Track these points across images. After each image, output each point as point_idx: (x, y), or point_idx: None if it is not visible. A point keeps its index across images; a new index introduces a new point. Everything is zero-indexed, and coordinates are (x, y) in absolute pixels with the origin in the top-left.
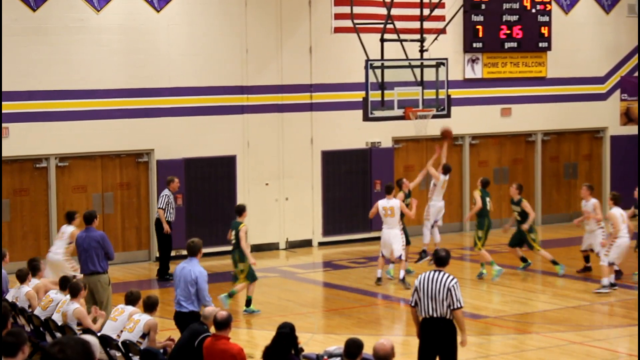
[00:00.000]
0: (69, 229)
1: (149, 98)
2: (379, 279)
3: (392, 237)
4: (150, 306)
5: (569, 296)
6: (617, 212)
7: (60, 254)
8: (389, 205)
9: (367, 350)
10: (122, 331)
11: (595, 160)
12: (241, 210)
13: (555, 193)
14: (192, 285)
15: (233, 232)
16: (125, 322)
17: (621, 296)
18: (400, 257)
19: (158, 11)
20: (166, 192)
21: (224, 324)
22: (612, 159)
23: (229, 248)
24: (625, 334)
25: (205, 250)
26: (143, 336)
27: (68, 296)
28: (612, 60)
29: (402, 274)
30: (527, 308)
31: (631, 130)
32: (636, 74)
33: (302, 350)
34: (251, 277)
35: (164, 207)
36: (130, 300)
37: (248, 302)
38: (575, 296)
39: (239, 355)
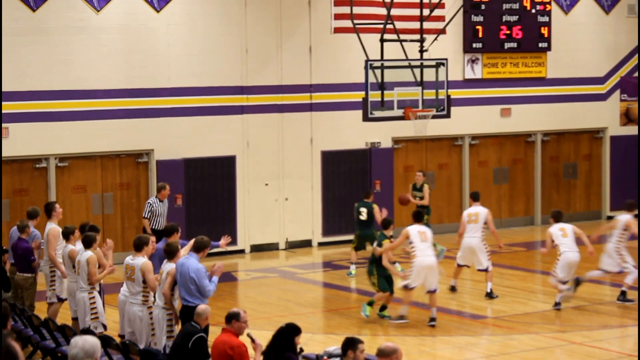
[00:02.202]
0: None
1: (149, 98)
2: (452, 287)
3: (475, 246)
4: (137, 246)
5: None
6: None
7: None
8: (474, 211)
9: (370, 351)
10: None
11: (595, 161)
12: (369, 194)
13: (555, 193)
14: (192, 283)
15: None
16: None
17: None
18: (487, 269)
19: (158, 11)
20: (150, 199)
21: (227, 320)
22: (611, 159)
23: (230, 249)
24: (625, 334)
25: None
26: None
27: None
28: (612, 60)
29: (489, 286)
30: (527, 308)
31: (631, 130)
32: (636, 74)
33: (302, 350)
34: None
35: (148, 217)
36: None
37: None
38: (575, 296)
39: (237, 349)
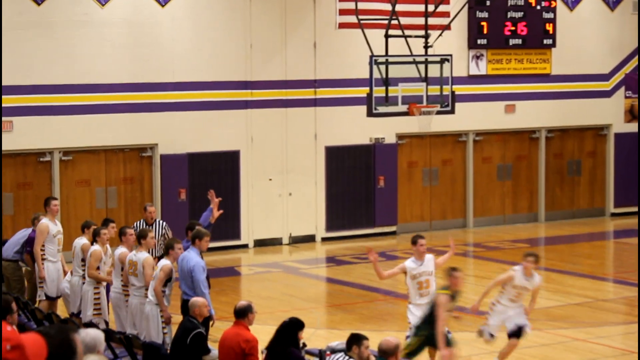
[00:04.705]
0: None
1: (153, 92)
2: None
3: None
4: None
5: (572, 293)
6: None
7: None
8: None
9: (372, 347)
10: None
11: (599, 158)
12: None
13: (558, 190)
14: (191, 277)
15: None
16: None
17: (624, 293)
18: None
19: (162, 5)
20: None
21: (240, 313)
22: (615, 156)
23: (233, 243)
24: (628, 331)
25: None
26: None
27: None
28: (616, 57)
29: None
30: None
31: (635, 127)
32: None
33: (304, 345)
34: None
35: None
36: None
37: None
38: (579, 293)
39: (252, 342)
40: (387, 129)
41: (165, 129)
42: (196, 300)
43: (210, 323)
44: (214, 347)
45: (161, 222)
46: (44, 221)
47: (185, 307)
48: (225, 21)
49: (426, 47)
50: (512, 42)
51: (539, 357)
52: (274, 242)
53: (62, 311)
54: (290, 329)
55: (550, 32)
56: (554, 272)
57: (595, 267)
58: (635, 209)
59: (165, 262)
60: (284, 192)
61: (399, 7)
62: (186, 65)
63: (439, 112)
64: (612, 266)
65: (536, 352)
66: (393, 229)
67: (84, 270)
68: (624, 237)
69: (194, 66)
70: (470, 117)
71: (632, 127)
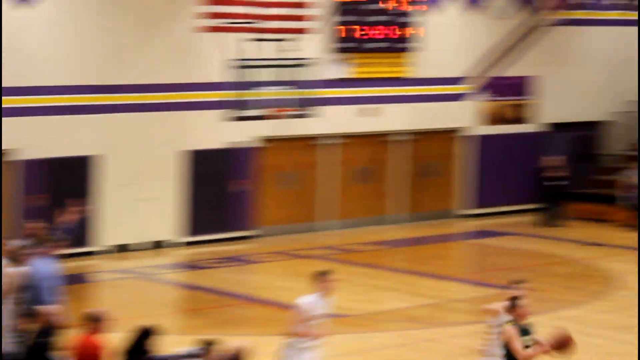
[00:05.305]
0: None
1: (10, 97)
2: None
3: None
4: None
5: (424, 294)
6: None
7: None
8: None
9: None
10: None
11: (454, 160)
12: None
13: (415, 192)
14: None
15: None
16: None
17: (470, 294)
18: None
19: (24, 8)
20: None
21: (91, 321)
22: (469, 159)
23: (91, 249)
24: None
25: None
26: None
27: None
28: (473, 60)
29: None
30: (381, 306)
31: (489, 130)
32: (498, 75)
33: (155, 352)
34: None
35: None
36: None
37: None
38: (430, 294)
39: (100, 349)
40: (246, 133)
41: (22, 134)
42: (42, 308)
43: (58, 331)
44: (62, 356)
45: None
46: None
47: (32, 315)
48: (82, 24)
49: (288, 50)
50: (374, 45)
51: (393, 357)
52: (133, 248)
53: None
54: (142, 336)
55: (410, 36)
56: (405, 273)
57: (444, 267)
58: (489, 210)
59: (12, 269)
60: (141, 197)
61: (260, 11)
62: (43, 69)
63: (299, 116)
64: (462, 266)
65: (393, 352)
66: (252, 232)
67: None
68: (478, 238)
69: (50, 70)
70: (330, 121)
71: (485, 130)
